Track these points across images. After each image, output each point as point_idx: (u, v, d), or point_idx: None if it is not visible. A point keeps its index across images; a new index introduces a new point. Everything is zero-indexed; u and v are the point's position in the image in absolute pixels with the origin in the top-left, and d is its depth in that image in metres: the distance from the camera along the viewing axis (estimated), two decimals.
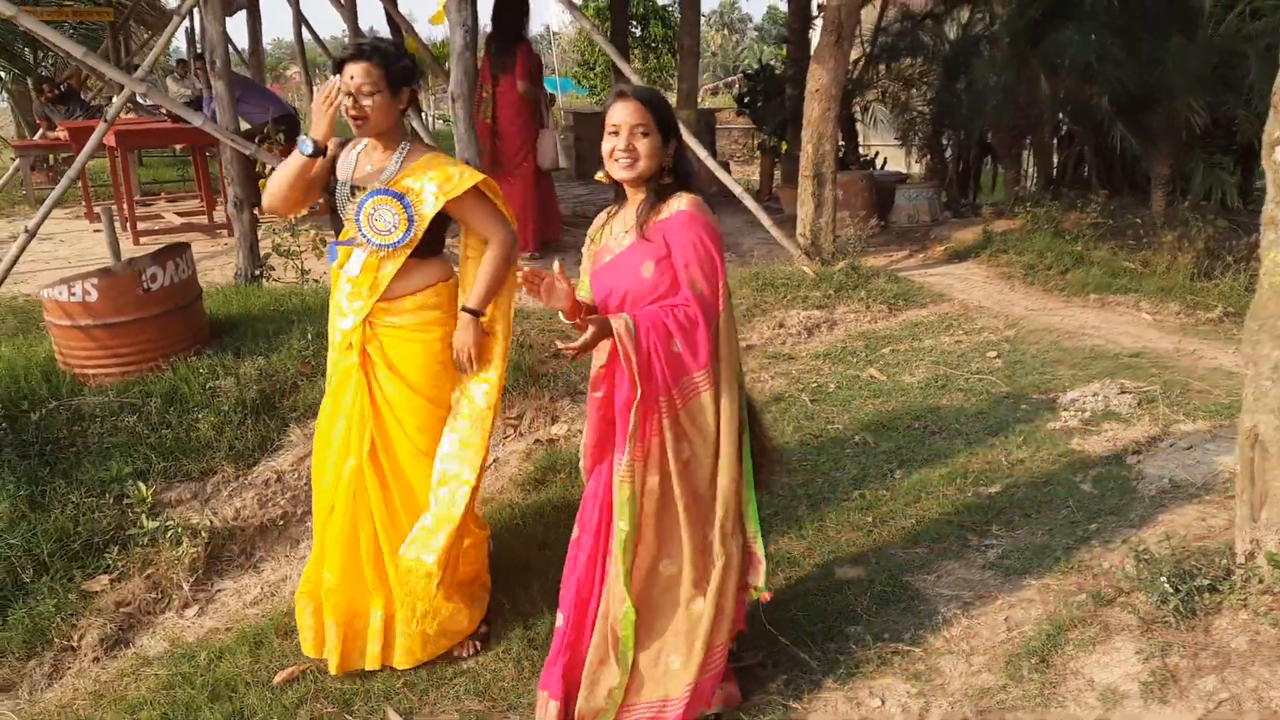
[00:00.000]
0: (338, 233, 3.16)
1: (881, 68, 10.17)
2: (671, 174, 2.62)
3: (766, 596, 2.80)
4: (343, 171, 3.12)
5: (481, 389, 3.20)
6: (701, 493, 2.64)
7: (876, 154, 11.58)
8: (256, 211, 6.75)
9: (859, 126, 11.07)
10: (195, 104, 10.28)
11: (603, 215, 2.82)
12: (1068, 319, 5.97)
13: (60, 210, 11.36)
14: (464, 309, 3.15)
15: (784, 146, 11.25)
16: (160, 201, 11.67)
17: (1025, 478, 4.02)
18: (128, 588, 3.96)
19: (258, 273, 6.58)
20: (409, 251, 3.04)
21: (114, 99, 6.60)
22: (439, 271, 3.20)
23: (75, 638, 3.72)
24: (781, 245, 6.86)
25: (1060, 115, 7.53)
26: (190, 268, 5.27)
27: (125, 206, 9.33)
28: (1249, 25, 6.77)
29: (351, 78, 2.91)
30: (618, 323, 2.46)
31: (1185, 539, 3.35)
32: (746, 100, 11.65)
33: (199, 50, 17.06)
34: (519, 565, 3.77)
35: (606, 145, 2.59)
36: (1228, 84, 6.89)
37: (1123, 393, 4.59)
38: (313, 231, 6.77)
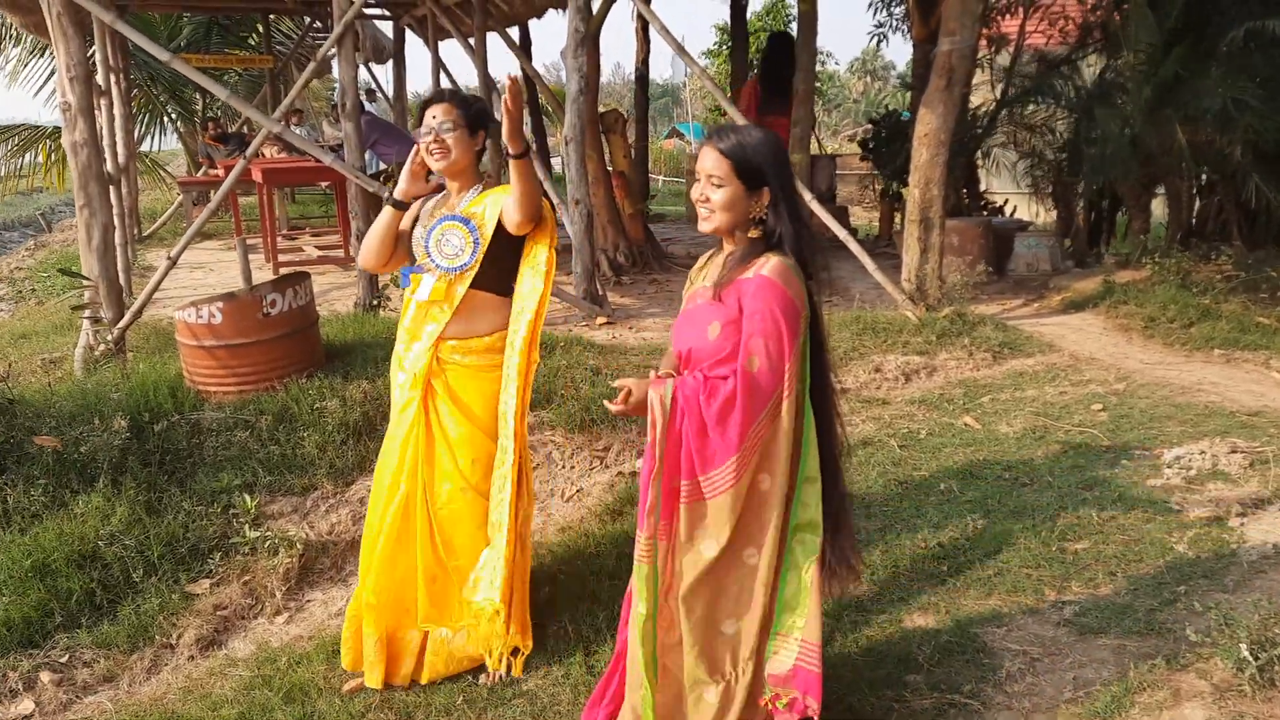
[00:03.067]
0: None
1: (1010, 113, 9.96)
2: (760, 227, 2.43)
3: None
4: (422, 216, 3.32)
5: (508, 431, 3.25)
6: (713, 581, 2.45)
7: (1006, 201, 11.31)
8: None
9: (982, 173, 10.84)
10: (335, 150, 10.95)
11: (705, 256, 2.68)
12: (1185, 374, 5.69)
13: (215, 242, 12.25)
14: (510, 156, 3.00)
15: (906, 192, 11.14)
16: (304, 235, 12.39)
17: (1115, 535, 3.85)
18: (226, 592, 4.18)
19: (375, 302, 6.91)
20: (474, 272, 3.16)
21: (293, 127, 7.10)
22: (505, 317, 3.27)
23: (175, 636, 3.95)
24: (888, 291, 6.78)
25: (1189, 166, 7.20)
26: (308, 295, 5.59)
27: (269, 239, 9.93)
28: None
29: (434, 117, 3.12)
30: (653, 395, 2.36)
31: (1277, 607, 3.14)
32: (870, 145, 11.58)
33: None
34: (587, 594, 3.83)
35: (692, 191, 2.48)
36: None
37: (1233, 452, 4.35)
38: None
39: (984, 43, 13.15)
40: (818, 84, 23.83)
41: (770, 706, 2.48)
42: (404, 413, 3.30)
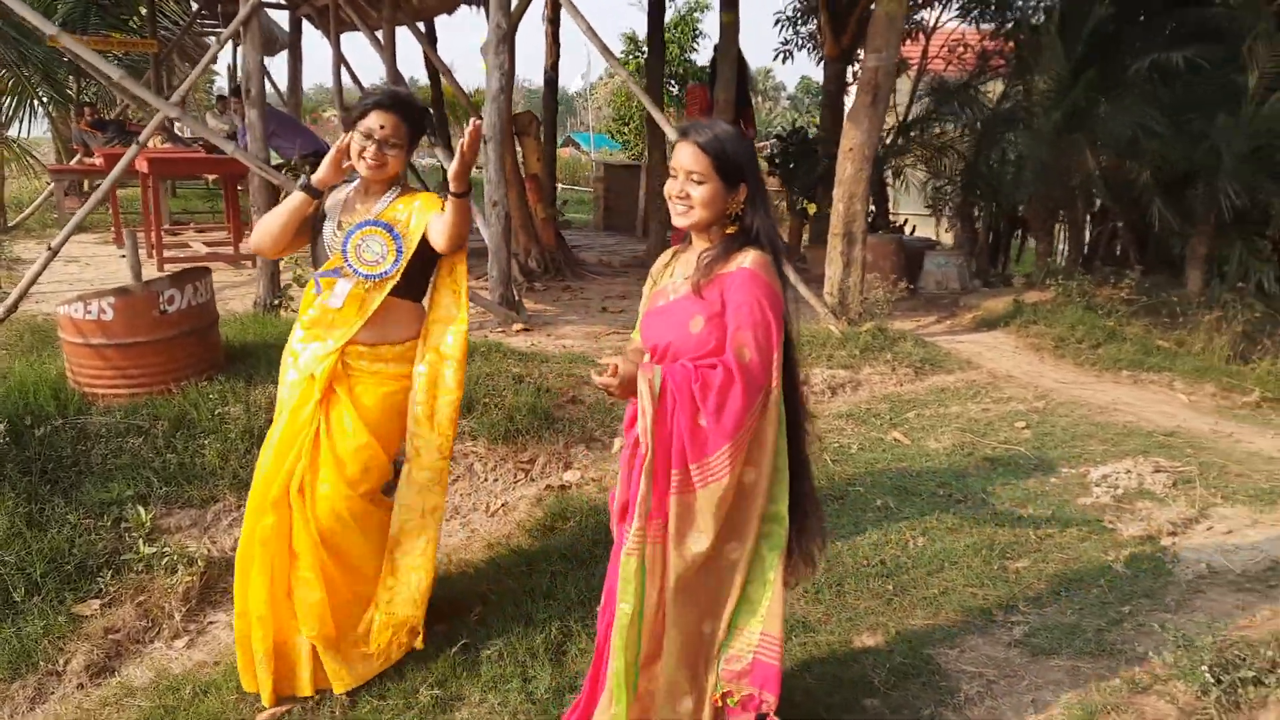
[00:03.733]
0: (316, 266, 3.12)
1: (913, 135, 10.16)
2: (738, 223, 2.40)
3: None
4: (331, 209, 3.11)
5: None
6: (700, 580, 2.36)
7: (905, 220, 11.55)
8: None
9: (889, 192, 11.04)
10: (233, 139, 10.41)
11: (667, 254, 2.64)
12: (1099, 394, 5.81)
13: (89, 235, 11.50)
14: (451, 194, 2.90)
15: (812, 208, 11.24)
16: (189, 231, 11.75)
17: (1054, 553, 3.85)
18: (118, 614, 3.82)
19: (276, 302, 6.53)
20: (394, 282, 2.99)
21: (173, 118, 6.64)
22: (418, 325, 3.16)
23: (61, 662, 3.58)
24: (809, 304, 6.76)
25: (1094, 191, 7.43)
26: (209, 293, 5.21)
27: (153, 233, 9.36)
28: None
29: (382, 127, 2.93)
30: (642, 381, 2.26)
31: (1225, 628, 3.17)
32: (778, 161, 11.66)
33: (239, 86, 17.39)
34: (522, 615, 3.62)
35: (668, 187, 2.41)
36: (1266, 168, 6.79)
37: (1157, 471, 4.43)
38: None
39: None
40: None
41: (721, 705, 2.39)
42: (297, 413, 3.10)
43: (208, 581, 4.04)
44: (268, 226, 3.09)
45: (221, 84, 18.75)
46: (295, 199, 3.04)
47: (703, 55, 23.08)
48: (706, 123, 2.42)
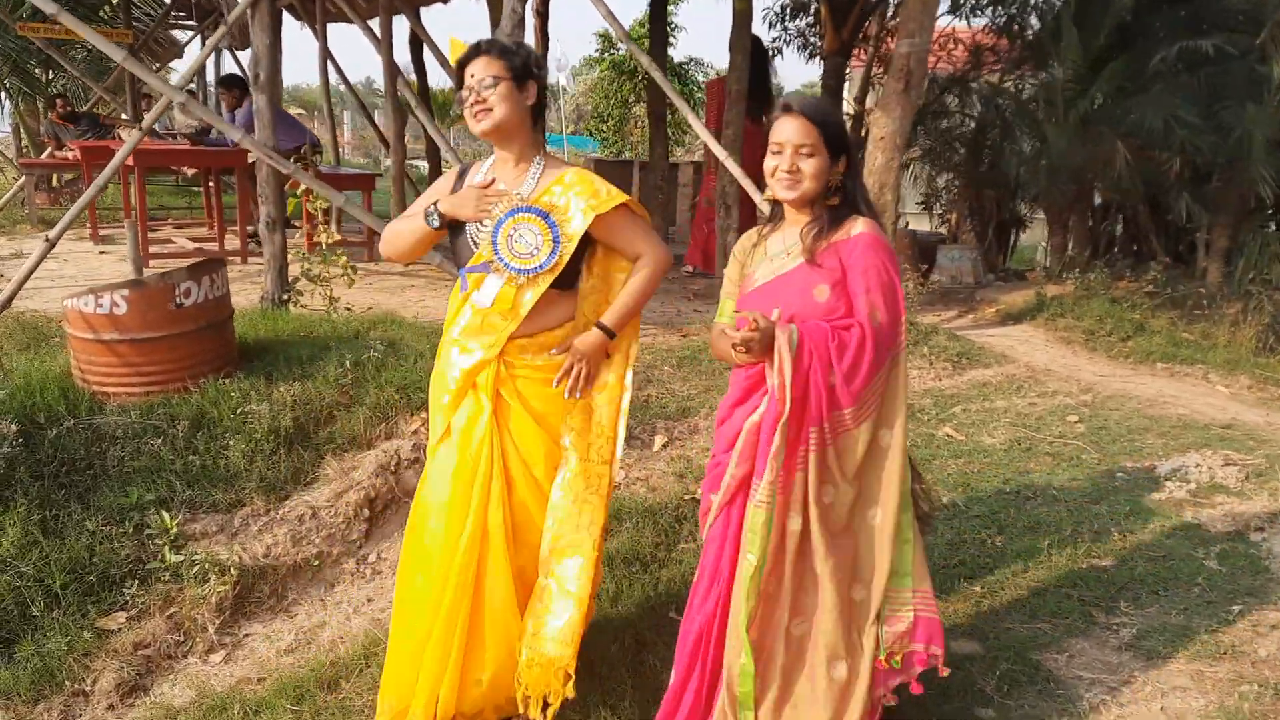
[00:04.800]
0: (459, 263, 2.75)
1: (920, 128, 10.03)
2: (840, 194, 2.39)
3: (944, 671, 2.46)
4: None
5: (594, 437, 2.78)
6: (844, 542, 2.36)
7: (899, 216, 11.44)
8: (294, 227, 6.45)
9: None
10: (204, 133, 10.04)
11: (752, 234, 2.60)
12: (1141, 386, 5.68)
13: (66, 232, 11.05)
14: (598, 325, 2.71)
15: None
16: (167, 227, 11.36)
17: (1141, 550, 3.69)
18: (147, 627, 3.55)
19: (285, 297, 6.24)
20: (553, 277, 2.62)
21: (146, 112, 6.32)
22: (573, 306, 2.76)
23: (89, 681, 3.31)
24: None
25: (1119, 182, 7.32)
26: (225, 285, 4.93)
27: (140, 229, 8.98)
28: None
29: (472, 75, 2.58)
30: (780, 335, 2.23)
31: None
32: None
33: (209, 79, 16.95)
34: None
35: (769, 163, 2.38)
36: None
37: (1228, 464, 4.28)
38: (344, 257, 6.47)
39: (878, 63, 13.47)
40: (684, 93, 23.98)
41: (885, 665, 2.41)
42: (469, 433, 2.70)
43: (241, 591, 3.78)
44: (400, 244, 2.77)
45: (250, 64, 18.04)
46: (422, 230, 2.69)
47: (679, 50, 22.89)
48: (807, 97, 2.41)
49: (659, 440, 4.80)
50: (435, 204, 2.67)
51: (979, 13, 10.76)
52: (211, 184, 10.23)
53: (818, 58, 14.21)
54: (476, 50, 2.62)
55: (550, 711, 2.71)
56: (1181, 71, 6.85)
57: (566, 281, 2.69)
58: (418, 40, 11.72)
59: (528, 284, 2.61)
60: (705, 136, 6.26)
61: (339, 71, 13.27)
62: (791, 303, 2.34)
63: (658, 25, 9.20)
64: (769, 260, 2.46)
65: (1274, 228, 7.38)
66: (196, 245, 9.71)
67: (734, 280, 2.57)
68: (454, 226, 2.72)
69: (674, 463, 4.57)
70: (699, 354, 5.84)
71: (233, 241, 9.26)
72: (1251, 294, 6.82)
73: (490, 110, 2.58)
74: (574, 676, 2.69)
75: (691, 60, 25.00)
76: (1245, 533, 3.76)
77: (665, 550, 3.88)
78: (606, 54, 22.52)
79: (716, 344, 2.55)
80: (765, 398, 2.32)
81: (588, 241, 2.68)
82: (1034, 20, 9.44)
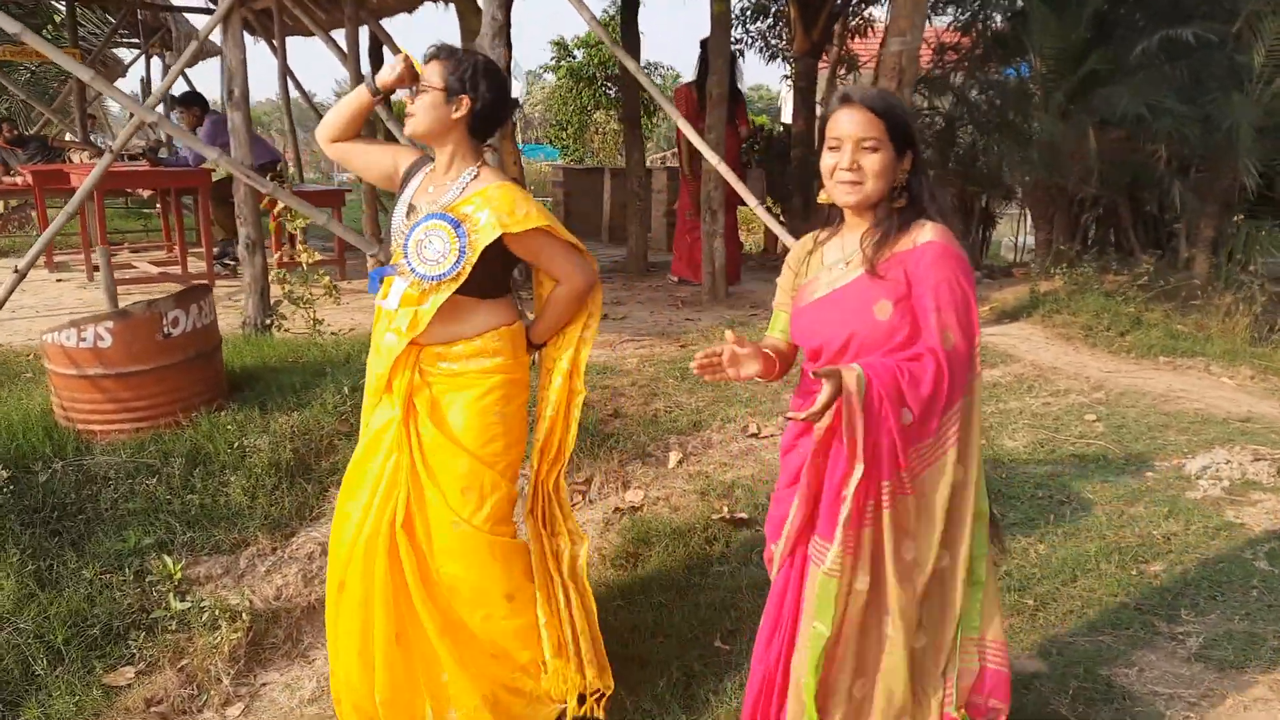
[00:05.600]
0: (387, 260, 2.74)
1: None
2: (906, 194, 2.14)
3: None
4: (406, 189, 2.73)
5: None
6: (911, 593, 2.12)
7: None
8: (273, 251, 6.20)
9: None
10: (153, 152, 9.74)
11: (808, 240, 2.35)
12: (1149, 381, 5.63)
13: (9, 259, 10.65)
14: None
15: (777, 208, 11.09)
16: (124, 251, 11.00)
17: (1187, 553, 3.60)
18: (158, 681, 3.33)
19: (269, 321, 6.00)
20: (456, 286, 2.56)
21: (93, 133, 6.04)
22: (504, 314, 2.70)
23: None
24: None
25: (1104, 174, 7.30)
26: (212, 312, 4.71)
27: (108, 257, 8.65)
28: None
29: (415, 80, 2.63)
30: (849, 376, 1.94)
31: None
32: (744, 163, 11.41)
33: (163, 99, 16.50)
34: (631, 656, 3.22)
35: (827, 161, 2.13)
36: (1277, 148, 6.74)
37: (1257, 460, 4.22)
38: (326, 278, 6.25)
39: (841, 65, 13.45)
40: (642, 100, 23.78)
41: (953, 717, 2.19)
42: (381, 436, 2.70)
43: (254, 638, 3.57)
44: (333, 119, 2.78)
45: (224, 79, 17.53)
46: (360, 95, 2.74)
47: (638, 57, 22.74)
48: (864, 87, 2.18)
49: (674, 456, 4.65)
50: (371, 79, 2.72)
51: (940, 10, 10.85)
52: (171, 205, 9.93)
53: (779, 60, 14.24)
54: (433, 53, 2.64)
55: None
56: (1163, 61, 6.84)
57: (487, 291, 2.65)
58: (378, 51, 11.47)
59: (431, 290, 2.57)
60: (697, 142, 6.12)
61: (298, 86, 12.97)
62: (849, 321, 2.12)
63: (629, 29, 9.05)
64: (826, 270, 2.23)
65: (1256, 217, 7.38)
66: (160, 269, 9.40)
67: (787, 290, 2.36)
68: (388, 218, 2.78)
69: (693, 480, 4.42)
70: None
71: (196, 264, 8.96)
72: (1243, 284, 6.82)
73: (411, 115, 2.62)
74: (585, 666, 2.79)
75: (649, 65, 24.95)
76: None
77: (700, 575, 3.72)
78: (563, 61, 22.37)
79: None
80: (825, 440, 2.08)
81: (512, 259, 2.67)
82: (996, 17, 9.50)
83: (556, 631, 2.78)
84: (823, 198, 2.21)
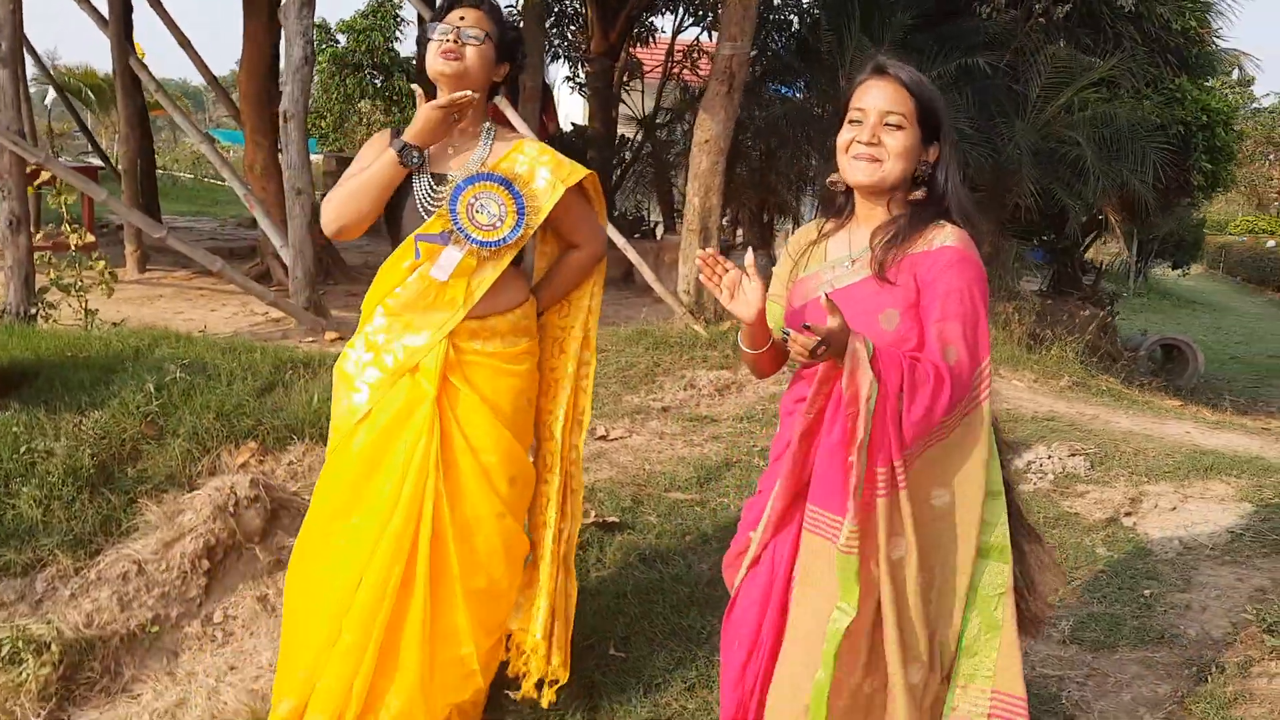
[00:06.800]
0: (395, 240, 2.42)
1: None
2: (926, 188, 1.99)
3: None
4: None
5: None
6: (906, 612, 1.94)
7: (657, 224, 11.81)
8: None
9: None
10: None
11: (810, 229, 2.18)
12: None
13: None
14: None
15: None
16: None
17: None
18: None
19: (34, 310, 5.24)
20: (515, 252, 2.39)
21: None
22: (525, 288, 2.55)
23: None
24: (668, 303, 6.42)
25: None
26: None
27: None
28: (1078, 114, 7.31)
29: (462, 18, 2.32)
30: (856, 339, 1.78)
31: (1246, 602, 3.25)
32: None
33: None
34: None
35: (844, 135, 1.98)
36: (1051, 171, 7.40)
37: (1073, 455, 4.55)
38: (103, 263, 5.57)
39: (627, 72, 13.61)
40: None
41: None
42: (404, 420, 2.36)
43: (66, 671, 3.05)
44: (354, 205, 2.34)
45: None
46: (387, 168, 2.31)
47: (406, 45, 21.88)
48: (897, 60, 2.00)
49: None
50: (400, 140, 2.31)
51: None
52: None
53: (560, 60, 14.23)
54: (474, 1, 2.37)
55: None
56: (951, 88, 7.33)
57: (519, 258, 2.47)
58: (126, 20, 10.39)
59: (490, 258, 2.36)
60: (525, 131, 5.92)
61: (31, 50, 11.54)
62: (854, 327, 1.90)
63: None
64: (829, 267, 2.05)
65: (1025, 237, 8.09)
66: None
67: (783, 280, 2.16)
68: (401, 188, 2.38)
69: None
70: None
71: None
72: (1017, 295, 7.43)
73: (460, 60, 2.32)
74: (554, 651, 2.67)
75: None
76: (1118, 518, 3.99)
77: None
78: (325, 46, 21.25)
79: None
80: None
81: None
82: (776, 37, 10.03)
83: (548, 614, 2.63)
84: (833, 177, 2.06)
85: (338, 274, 8.80)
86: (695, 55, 12.50)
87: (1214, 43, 9.20)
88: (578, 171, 2.44)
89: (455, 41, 2.29)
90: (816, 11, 9.48)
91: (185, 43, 8.24)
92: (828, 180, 2.08)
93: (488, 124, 2.45)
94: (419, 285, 2.35)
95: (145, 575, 3.47)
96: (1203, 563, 3.60)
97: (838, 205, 2.11)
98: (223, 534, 3.67)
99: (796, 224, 11.56)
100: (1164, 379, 9.18)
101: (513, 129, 2.53)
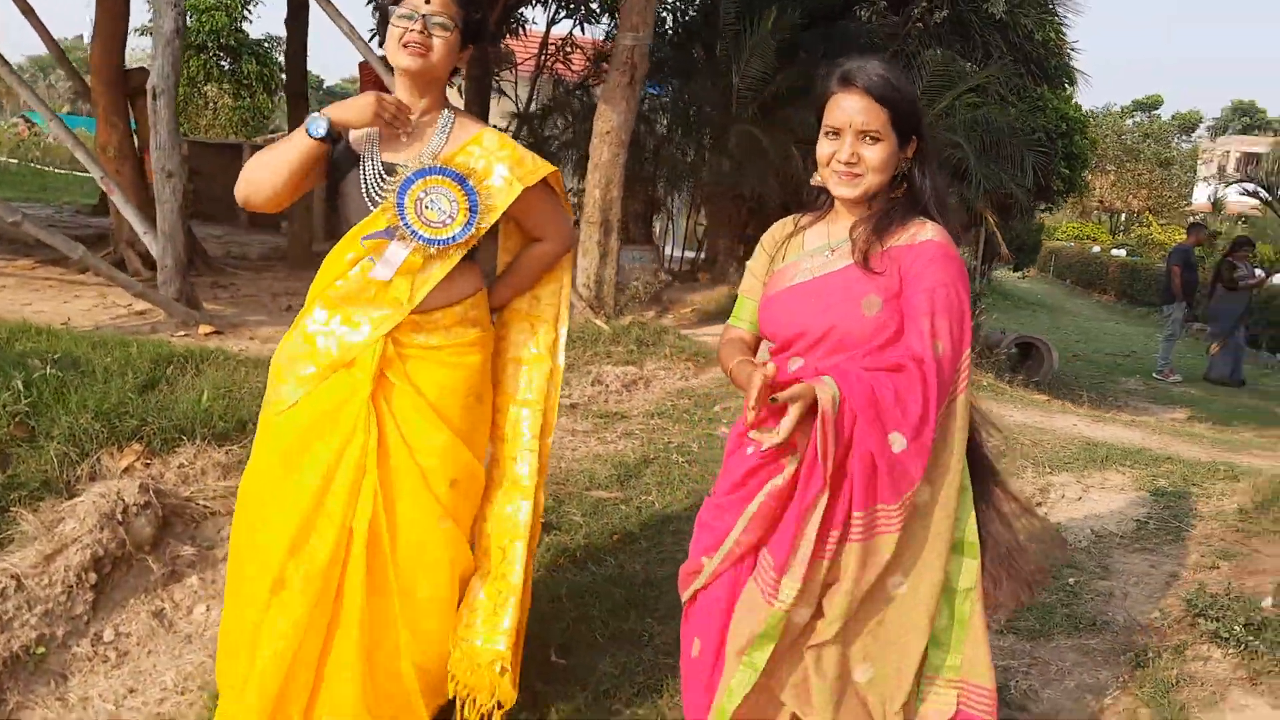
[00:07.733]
0: (339, 226, 2.28)
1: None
2: (905, 185, 2.01)
3: None
4: (363, 144, 2.26)
5: (525, 413, 2.47)
6: (854, 626, 1.95)
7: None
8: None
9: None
10: None
11: (787, 223, 2.17)
12: None
13: None
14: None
15: None
16: None
17: None
18: None
19: None
20: (464, 251, 2.26)
21: None
22: (477, 279, 2.40)
23: None
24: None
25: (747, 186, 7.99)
26: None
27: None
28: (957, 117, 7.54)
29: (427, 2, 2.16)
30: (824, 394, 1.77)
31: (1165, 587, 3.38)
32: None
33: None
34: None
35: (824, 149, 1.97)
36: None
37: None
38: None
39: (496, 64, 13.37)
40: (264, 75, 21.99)
41: None
42: (334, 417, 2.20)
43: None
44: (268, 176, 2.18)
45: None
46: (303, 146, 2.15)
47: (257, 26, 21.05)
48: (868, 64, 1.96)
49: None
50: (316, 113, 2.18)
51: (593, 21, 11.32)
52: None
53: None
54: None
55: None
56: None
57: (473, 251, 2.35)
58: None
59: (437, 256, 2.22)
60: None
61: None
62: (832, 311, 1.96)
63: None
64: (808, 256, 2.05)
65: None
66: None
67: (758, 276, 2.16)
68: (343, 171, 2.25)
69: None
70: None
71: None
72: None
73: (426, 54, 2.18)
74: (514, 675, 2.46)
75: (271, 37, 23.22)
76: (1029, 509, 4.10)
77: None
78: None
79: (729, 363, 2.11)
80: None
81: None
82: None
83: (515, 628, 2.44)
84: (815, 181, 2.04)
85: (200, 264, 8.26)
86: (568, 49, 12.39)
87: (1069, 54, 9.70)
88: (539, 169, 2.33)
89: (422, 32, 2.14)
90: (694, 12, 9.51)
91: (28, 10, 7.55)
92: (811, 181, 2.06)
93: (446, 110, 2.30)
94: (361, 279, 2.22)
95: (25, 591, 3.14)
96: (1115, 550, 3.73)
97: (816, 201, 2.12)
98: (110, 544, 3.36)
99: (671, 220, 11.67)
100: (1023, 375, 9.60)
101: (472, 117, 2.36)
